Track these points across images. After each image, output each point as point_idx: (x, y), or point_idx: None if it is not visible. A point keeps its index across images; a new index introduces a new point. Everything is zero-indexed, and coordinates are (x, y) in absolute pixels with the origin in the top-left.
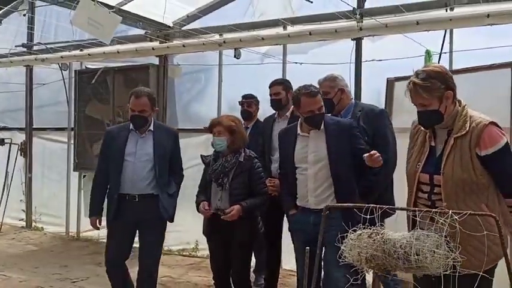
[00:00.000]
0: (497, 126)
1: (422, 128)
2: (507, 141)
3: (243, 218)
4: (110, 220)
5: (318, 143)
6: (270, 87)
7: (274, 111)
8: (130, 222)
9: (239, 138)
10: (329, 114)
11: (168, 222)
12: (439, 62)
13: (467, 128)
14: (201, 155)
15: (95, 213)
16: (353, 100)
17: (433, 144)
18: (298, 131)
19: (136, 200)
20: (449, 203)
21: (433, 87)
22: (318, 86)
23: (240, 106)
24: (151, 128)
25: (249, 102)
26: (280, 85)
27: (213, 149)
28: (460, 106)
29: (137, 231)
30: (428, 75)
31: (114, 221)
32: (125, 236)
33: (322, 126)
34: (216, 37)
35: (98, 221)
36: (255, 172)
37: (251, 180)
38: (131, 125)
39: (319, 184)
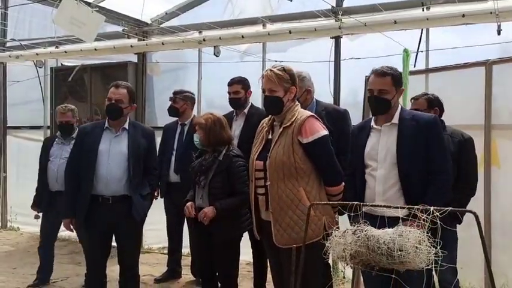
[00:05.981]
0: (319, 120)
1: (264, 123)
2: (327, 134)
3: (224, 218)
4: (81, 223)
5: (390, 139)
6: (228, 85)
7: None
8: (105, 225)
9: (211, 135)
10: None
11: (146, 221)
12: (415, 60)
13: (293, 119)
14: (192, 152)
15: (70, 214)
16: (314, 98)
17: (270, 137)
18: (372, 123)
19: (110, 202)
20: (272, 182)
21: (284, 78)
22: None
23: (218, 103)
24: (126, 126)
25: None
26: (240, 84)
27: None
28: (294, 104)
29: (113, 233)
30: (283, 69)
31: (86, 225)
32: (102, 241)
33: (396, 120)
34: (196, 35)
35: (71, 222)
36: (234, 171)
37: (230, 179)
38: (106, 123)
39: (389, 187)
